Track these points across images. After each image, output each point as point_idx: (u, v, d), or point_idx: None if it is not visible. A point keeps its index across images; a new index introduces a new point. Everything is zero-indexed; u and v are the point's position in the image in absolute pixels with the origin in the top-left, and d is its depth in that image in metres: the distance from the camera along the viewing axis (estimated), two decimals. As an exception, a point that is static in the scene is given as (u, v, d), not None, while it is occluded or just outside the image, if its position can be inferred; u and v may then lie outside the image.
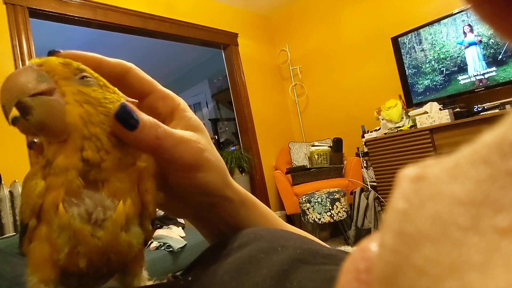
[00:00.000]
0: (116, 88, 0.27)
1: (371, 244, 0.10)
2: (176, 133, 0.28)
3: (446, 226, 0.07)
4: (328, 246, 0.30)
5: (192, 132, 0.29)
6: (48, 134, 0.24)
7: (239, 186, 0.35)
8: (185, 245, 2.01)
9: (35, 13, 2.44)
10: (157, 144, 0.26)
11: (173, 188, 0.31)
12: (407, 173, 0.09)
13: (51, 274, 0.24)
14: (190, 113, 0.31)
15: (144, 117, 0.26)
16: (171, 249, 1.94)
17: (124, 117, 0.25)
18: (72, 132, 0.24)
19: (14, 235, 1.75)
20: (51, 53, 0.26)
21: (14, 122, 0.24)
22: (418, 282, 0.07)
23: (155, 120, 0.26)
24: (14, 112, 0.23)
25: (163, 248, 1.96)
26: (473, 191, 0.08)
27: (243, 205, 0.34)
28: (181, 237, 2.13)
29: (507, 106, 2.52)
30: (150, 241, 2.01)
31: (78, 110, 0.24)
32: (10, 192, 1.95)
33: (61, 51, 0.27)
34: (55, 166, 0.24)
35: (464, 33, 2.76)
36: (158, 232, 2.14)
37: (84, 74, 0.25)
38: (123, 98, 0.27)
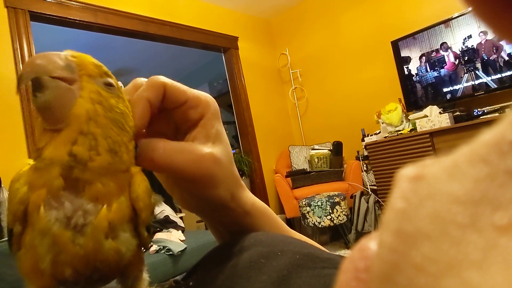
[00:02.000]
0: (129, 104, 0.28)
1: (370, 243, 0.10)
2: (177, 153, 0.29)
3: (444, 224, 0.07)
4: (328, 251, 0.30)
5: (208, 147, 0.30)
6: (48, 118, 0.24)
7: (248, 197, 0.35)
8: (185, 248, 2.00)
9: (36, 17, 2.45)
10: (154, 166, 0.29)
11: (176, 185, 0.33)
12: (406, 172, 0.09)
13: (47, 282, 0.23)
14: (215, 122, 0.32)
15: (141, 144, 0.29)
16: (171, 252, 1.93)
17: None
18: (72, 123, 0.23)
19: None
20: None
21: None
22: (417, 280, 0.07)
23: (153, 145, 0.29)
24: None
25: (163, 251, 1.95)
26: (471, 190, 0.08)
27: (248, 215, 0.34)
28: (181, 241, 2.12)
29: (507, 110, 2.52)
30: (150, 245, 2.00)
31: (88, 106, 0.24)
32: (10, 195, 1.95)
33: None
34: (42, 158, 0.23)
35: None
36: (158, 235, 2.13)
37: (110, 81, 0.26)
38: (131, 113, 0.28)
